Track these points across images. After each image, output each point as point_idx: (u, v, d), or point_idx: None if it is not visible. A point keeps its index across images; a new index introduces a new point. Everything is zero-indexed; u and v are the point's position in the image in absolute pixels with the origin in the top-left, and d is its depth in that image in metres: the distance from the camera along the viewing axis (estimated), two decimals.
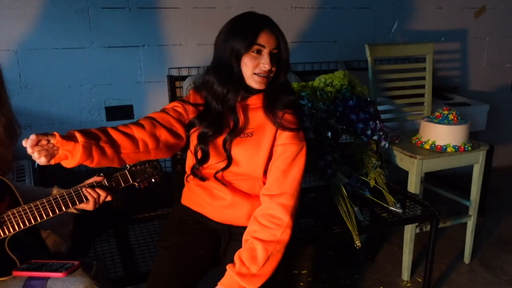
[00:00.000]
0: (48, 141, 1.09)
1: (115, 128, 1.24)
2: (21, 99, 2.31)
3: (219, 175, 1.39)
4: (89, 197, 1.28)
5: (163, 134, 1.31)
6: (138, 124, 1.29)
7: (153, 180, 1.43)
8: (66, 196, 1.24)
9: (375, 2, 2.90)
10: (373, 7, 2.91)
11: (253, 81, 1.31)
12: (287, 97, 1.37)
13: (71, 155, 1.12)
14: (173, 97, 2.52)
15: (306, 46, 2.81)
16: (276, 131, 1.35)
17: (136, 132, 1.26)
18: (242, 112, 1.38)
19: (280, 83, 1.36)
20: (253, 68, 1.29)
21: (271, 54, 1.28)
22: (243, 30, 1.29)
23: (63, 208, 1.23)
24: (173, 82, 2.52)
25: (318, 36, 2.83)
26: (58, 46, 2.32)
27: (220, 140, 1.36)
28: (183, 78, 2.51)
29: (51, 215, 1.22)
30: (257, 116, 1.37)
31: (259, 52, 1.28)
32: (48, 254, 1.29)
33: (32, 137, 1.07)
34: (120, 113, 2.52)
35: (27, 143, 1.07)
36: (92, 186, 1.28)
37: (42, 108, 2.37)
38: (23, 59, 2.28)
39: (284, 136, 1.34)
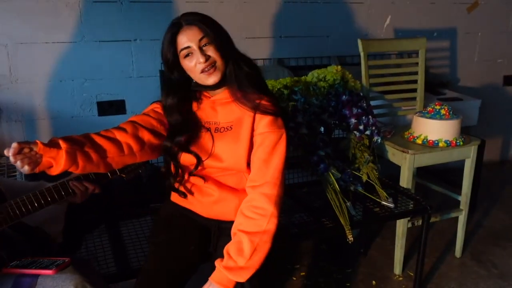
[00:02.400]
0: (31, 149, 1.07)
1: (98, 134, 1.23)
2: (11, 94, 2.29)
3: (196, 172, 1.39)
4: (76, 190, 1.27)
5: (146, 136, 1.31)
6: (120, 128, 1.28)
7: (140, 171, 1.42)
8: (53, 190, 1.23)
9: None
10: (366, 2, 2.90)
11: (203, 79, 1.31)
12: (243, 72, 1.33)
13: (55, 162, 1.10)
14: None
15: (299, 41, 2.81)
16: (253, 120, 1.34)
17: (119, 135, 1.25)
18: (212, 109, 1.39)
19: (234, 67, 1.32)
20: (196, 71, 1.29)
21: (201, 48, 1.27)
22: (165, 40, 1.30)
23: (50, 202, 1.22)
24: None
25: (311, 31, 2.82)
26: (49, 40, 2.30)
27: (202, 139, 1.37)
28: None
29: (38, 209, 1.20)
30: (233, 110, 1.37)
31: (190, 54, 1.28)
32: (38, 250, 1.28)
33: (14, 145, 1.05)
34: (112, 108, 2.50)
35: (9, 152, 1.04)
36: (78, 179, 1.27)
37: (33, 103, 2.35)
38: (13, 53, 2.25)
39: (263, 125, 1.33)
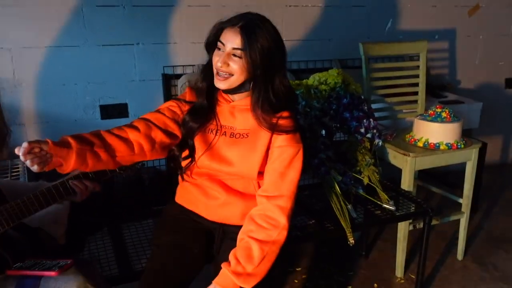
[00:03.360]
0: (41, 149, 1.08)
1: (109, 132, 1.24)
2: (15, 97, 2.31)
3: (190, 167, 1.40)
4: (76, 189, 1.28)
5: (159, 136, 1.32)
6: (132, 126, 1.29)
7: (137, 166, 1.43)
8: (53, 190, 1.24)
9: (370, 1, 2.91)
10: (367, 5, 2.92)
11: (216, 80, 1.31)
12: (270, 104, 1.31)
13: (65, 162, 1.11)
14: (167, 95, 2.52)
15: (301, 45, 2.82)
16: (272, 133, 1.35)
17: (131, 134, 1.26)
18: (230, 113, 1.38)
19: (261, 88, 1.30)
20: (214, 65, 1.30)
21: (230, 55, 1.26)
22: (218, 25, 1.30)
23: (51, 202, 1.23)
24: (168, 80, 2.52)
25: (313, 35, 2.83)
26: (52, 44, 2.32)
27: (214, 140, 1.37)
28: (177, 76, 2.52)
29: (39, 209, 1.21)
30: (251, 117, 1.36)
31: (220, 49, 1.28)
32: (41, 251, 1.29)
33: (25, 145, 1.06)
34: (115, 111, 2.52)
35: (20, 151, 1.05)
36: (78, 178, 1.28)
37: (36, 106, 2.37)
38: (17, 57, 2.28)
39: (281, 139, 1.33)
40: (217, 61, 1.27)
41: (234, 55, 1.26)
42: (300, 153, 1.35)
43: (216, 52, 1.30)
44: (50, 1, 2.26)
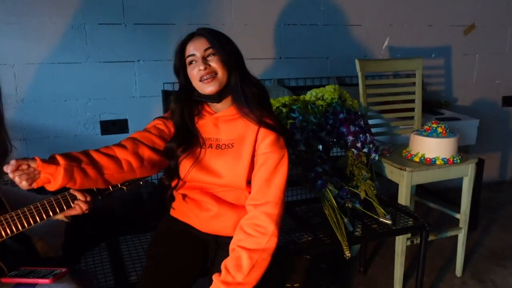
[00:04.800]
0: (29, 166, 1.10)
1: (97, 150, 1.26)
2: (17, 113, 2.34)
3: (194, 186, 1.42)
4: (76, 200, 1.29)
5: (146, 153, 1.34)
6: (120, 145, 1.31)
7: (140, 182, 1.45)
8: (54, 202, 1.26)
9: (367, 20, 2.97)
10: (364, 24, 2.97)
11: (202, 88, 1.35)
12: (251, 90, 1.38)
13: (52, 178, 1.13)
14: (167, 111, 2.54)
15: (299, 62, 2.87)
16: (256, 140, 1.37)
17: (118, 152, 1.28)
18: (215, 125, 1.42)
19: (239, 80, 1.37)
20: (196, 78, 1.35)
21: (204, 57, 1.33)
22: (178, 46, 1.38)
23: (51, 214, 1.24)
24: (168, 96, 2.55)
25: (310, 52, 2.88)
26: (55, 61, 2.36)
27: (201, 154, 1.40)
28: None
29: (39, 221, 1.23)
30: (236, 127, 1.40)
31: (194, 62, 1.34)
32: (38, 261, 1.30)
33: (12, 162, 1.09)
34: (115, 127, 2.55)
35: (8, 168, 1.08)
36: (80, 190, 1.30)
37: (38, 121, 2.40)
38: (19, 73, 2.32)
39: (265, 145, 1.36)
40: (197, 70, 1.33)
41: (208, 55, 1.34)
42: (285, 158, 1.37)
43: (190, 67, 1.36)
44: (53, 19, 2.31)
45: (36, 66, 2.34)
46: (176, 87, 2.52)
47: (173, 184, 1.44)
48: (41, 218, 1.24)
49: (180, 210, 1.50)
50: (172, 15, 2.52)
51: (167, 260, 1.38)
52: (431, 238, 2.11)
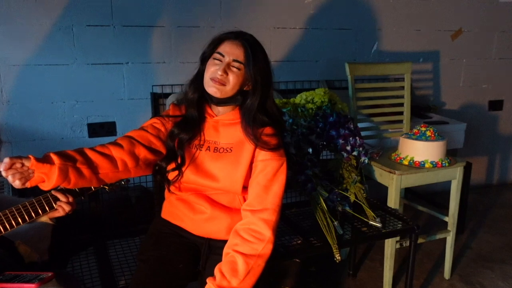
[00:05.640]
0: (23, 164, 1.09)
1: (93, 149, 1.24)
2: (2, 115, 2.31)
3: (176, 182, 1.40)
4: (58, 202, 1.27)
5: (142, 152, 1.32)
6: (116, 143, 1.29)
7: (123, 182, 1.43)
8: (36, 203, 1.23)
9: (356, 24, 2.98)
10: (354, 28, 2.99)
11: (208, 86, 1.33)
12: (262, 117, 1.36)
13: (47, 178, 1.11)
14: (156, 114, 2.53)
15: (289, 65, 2.87)
16: (255, 147, 1.37)
17: (114, 151, 1.26)
18: (214, 128, 1.40)
19: (255, 102, 1.34)
20: (210, 73, 1.32)
21: (230, 65, 1.31)
22: (217, 37, 1.34)
23: (33, 215, 1.22)
24: (156, 99, 2.54)
25: (300, 56, 2.89)
26: (41, 63, 2.33)
27: (198, 155, 1.38)
28: (166, 95, 2.54)
29: (21, 223, 1.20)
30: (235, 132, 1.39)
31: (219, 60, 1.32)
32: (22, 265, 1.27)
33: (6, 160, 1.06)
34: (103, 129, 2.52)
35: (1, 167, 1.06)
36: (62, 191, 1.28)
37: (24, 124, 2.36)
38: (5, 75, 2.28)
39: (264, 152, 1.35)
40: (216, 69, 1.31)
41: (234, 66, 1.31)
42: (284, 166, 1.36)
43: (212, 62, 1.33)
44: (41, 20, 2.28)
45: (23, 67, 2.31)
46: (165, 90, 2.54)
47: (171, 177, 1.41)
48: (24, 220, 1.22)
49: (172, 212, 1.48)
50: (161, 17, 2.51)
51: (158, 264, 1.36)
52: (420, 241, 2.12)
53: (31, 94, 2.35)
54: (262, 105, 1.36)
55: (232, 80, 1.31)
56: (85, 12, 2.35)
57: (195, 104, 1.39)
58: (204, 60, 1.37)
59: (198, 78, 1.38)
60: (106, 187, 1.40)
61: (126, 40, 2.46)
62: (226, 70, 1.30)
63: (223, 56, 1.31)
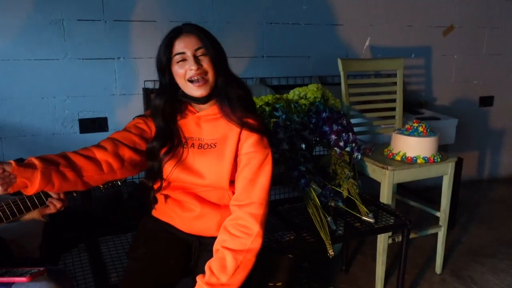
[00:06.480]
0: (4, 170, 1.06)
1: (76, 152, 1.22)
2: None
3: (177, 186, 1.39)
4: (50, 199, 1.25)
5: (127, 153, 1.31)
6: (99, 146, 1.28)
7: (119, 183, 1.42)
8: (26, 198, 1.22)
9: (348, 20, 2.98)
10: (346, 24, 2.99)
11: (190, 89, 1.32)
12: (236, 92, 1.35)
13: (29, 182, 1.10)
14: (148, 109, 2.51)
15: (281, 61, 2.86)
16: (239, 140, 1.35)
17: (98, 154, 1.25)
18: (197, 124, 1.39)
19: (224, 83, 1.34)
20: (183, 76, 1.31)
21: (196, 57, 1.29)
22: (164, 42, 1.32)
23: (23, 211, 1.20)
24: (148, 94, 2.52)
25: (293, 51, 2.88)
26: (31, 57, 2.30)
27: (183, 153, 1.37)
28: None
29: (11, 218, 1.19)
30: (218, 127, 1.38)
31: (183, 60, 1.30)
32: (13, 262, 1.26)
33: None
34: (94, 125, 2.50)
35: None
36: None
37: (14, 119, 2.33)
38: None
39: (248, 145, 1.34)
40: (187, 69, 1.29)
41: (200, 55, 1.30)
42: (269, 158, 1.35)
43: (177, 65, 1.31)
44: (30, 14, 2.25)
45: (12, 62, 2.27)
46: (157, 86, 2.51)
47: (156, 186, 1.40)
48: (14, 215, 1.20)
49: (162, 211, 1.47)
50: (153, 12, 2.48)
51: (149, 261, 1.36)
52: (412, 236, 2.13)
53: (21, 90, 2.32)
54: (229, 80, 1.35)
55: (208, 67, 1.30)
56: (75, 6, 2.32)
57: (160, 113, 1.37)
58: (162, 69, 1.34)
59: (165, 89, 1.36)
60: (101, 186, 1.38)
61: (117, 35, 2.44)
62: (197, 63, 1.28)
63: (183, 53, 1.29)
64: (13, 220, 1.20)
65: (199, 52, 1.30)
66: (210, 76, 1.31)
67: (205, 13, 2.58)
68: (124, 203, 2.28)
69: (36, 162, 1.11)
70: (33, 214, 1.31)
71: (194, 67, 1.28)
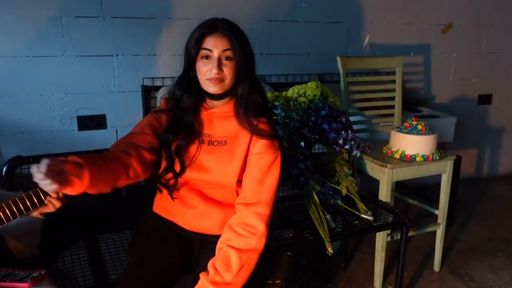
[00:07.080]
0: (60, 167, 1.02)
1: (108, 157, 1.22)
2: None
3: (172, 181, 1.38)
4: (48, 197, 1.25)
5: (147, 156, 1.32)
6: (125, 152, 1.27)
7: None
8: (25, 198, 1.21)
9: (347, 17, 2.98)
10: (345, 21, 2.98)
11: (207, 86, 1.32)
12: (254, 99, 1.35)
13: (79, 181, 1.06)
14: (146, 107, 2.51)
15: (280, 59, 2.86)
16: (250, 140, 1.36)
17: (126, 160, 1.25)
18: (209, 121, 1.39)
19: (247, 90, 1.34)
20: (204, 74, 1.30)
21: (221, 59, 1.29)
22: (195, 34, 1.31)
23: (23, 211, 1.20)
24: (147, 92, 2.51)
25: (292, 49, 2.88)
26: (29, 54, 2.29)
27: (193, 149, 1.37)
28: (157, 88, 2.51)
29: (12, 218, 1.18)
30: (230, 125, 1.38)
31: (207, 57, 1.29)
32: (12, 261, 1.25)
33: (45, 161, 0.97)
34: (93, 122, 2.49)
35: (40, 169, 0.96)
36: None
37: (12, 116, 2.32)
38: None
39: (259, 145, 1.34)
40: (209, 69, 1.29)
41: (226, 58, 1.29)
42: (278, 159, 1.35)
43: (202, 61, 1.30)
44: (28, 10, 2.24)
45: (10, 59, 2.26)
46: (156, 83, 2.52)
47: (168, 176, 1.39)
48: (14, 215, 1.19)
49: (164, 207, 1.47)
50: (152, 8, 2.47)
51: (150, 259, 1.35)
52: (410, 234, 2.13)
53: (19, 87, 2.30)
54: (252, 89, 1.35)
55: (229, 73, 1.30)
56: (74, 3, 2.31)
57: (193, 109, 1.37)
58: (191, 63, 1.33)
59: (186, 78, 1.36)
60: None
61: (116, 31, 2.43)
62: (219, 66, 1.28)
63: (210, 51, 1.29)
64: (12, 220, 1.20)
65: (225, 54, 1.28)
66: (228, 82, 1.31)
67: (204, 10, 2.56)
68: (123, 201, 2.28)
69: (81, 160, 1.07)
70: (32, 213, 1.30)
71: (215, 70, 1.28)
